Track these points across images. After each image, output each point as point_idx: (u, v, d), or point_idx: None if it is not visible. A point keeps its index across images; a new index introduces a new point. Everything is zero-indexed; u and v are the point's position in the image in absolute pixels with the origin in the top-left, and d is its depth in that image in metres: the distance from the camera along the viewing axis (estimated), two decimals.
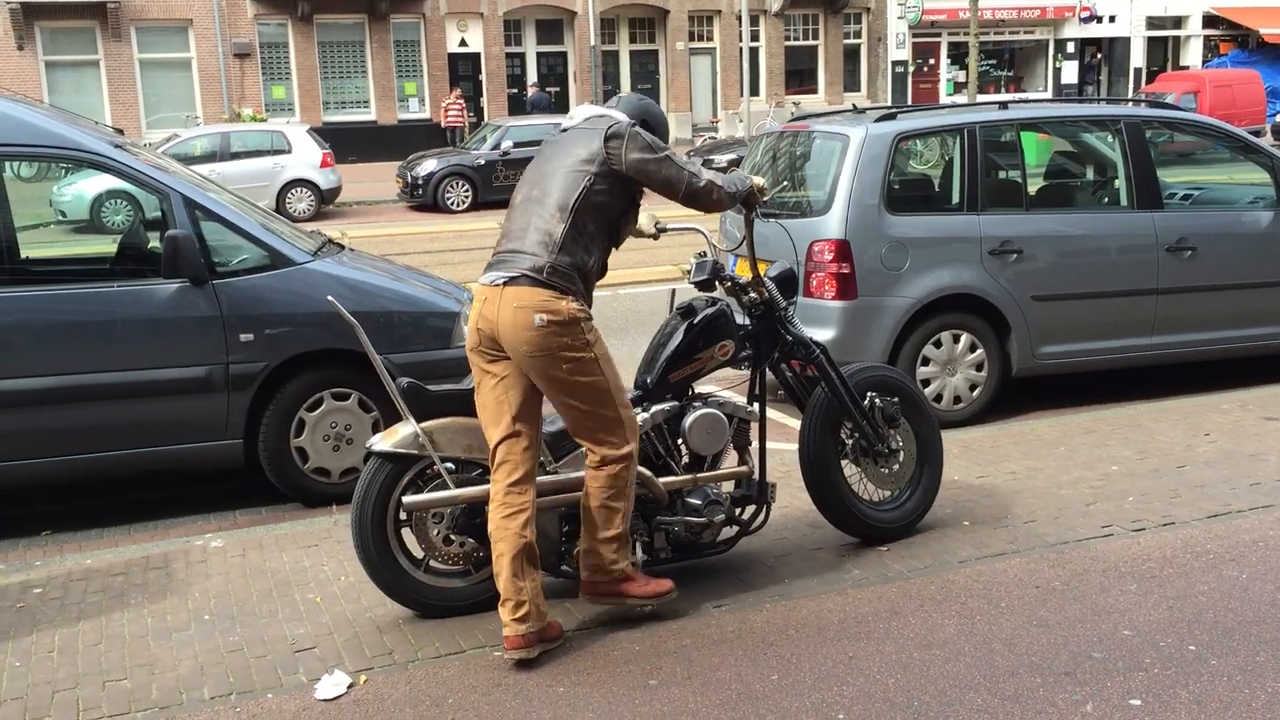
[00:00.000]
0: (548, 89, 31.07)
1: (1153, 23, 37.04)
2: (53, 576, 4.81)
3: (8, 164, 6.21)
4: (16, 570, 4.92)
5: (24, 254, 6.52)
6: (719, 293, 4.55)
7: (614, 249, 4.06)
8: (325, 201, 20.24)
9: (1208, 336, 7.29)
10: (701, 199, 4.06)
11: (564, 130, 4.11)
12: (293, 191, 19.79)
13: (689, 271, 4.52)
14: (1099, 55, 36.38)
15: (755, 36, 32.35)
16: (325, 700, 3.67)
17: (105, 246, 7.63)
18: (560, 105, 31.25)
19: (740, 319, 4.49)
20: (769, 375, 4.63)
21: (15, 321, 5.34)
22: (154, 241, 6.28)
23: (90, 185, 16.53)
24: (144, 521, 5.78)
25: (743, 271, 4.50)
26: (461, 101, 27.90)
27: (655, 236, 4.44)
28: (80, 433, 5.45)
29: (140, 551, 5.10)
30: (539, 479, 4.09)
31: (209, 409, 5.59)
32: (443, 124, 27.55)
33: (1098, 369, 7.26)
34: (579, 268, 3.86)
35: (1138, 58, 37.03)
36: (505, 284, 3.83)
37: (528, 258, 3.84)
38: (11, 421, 5.33)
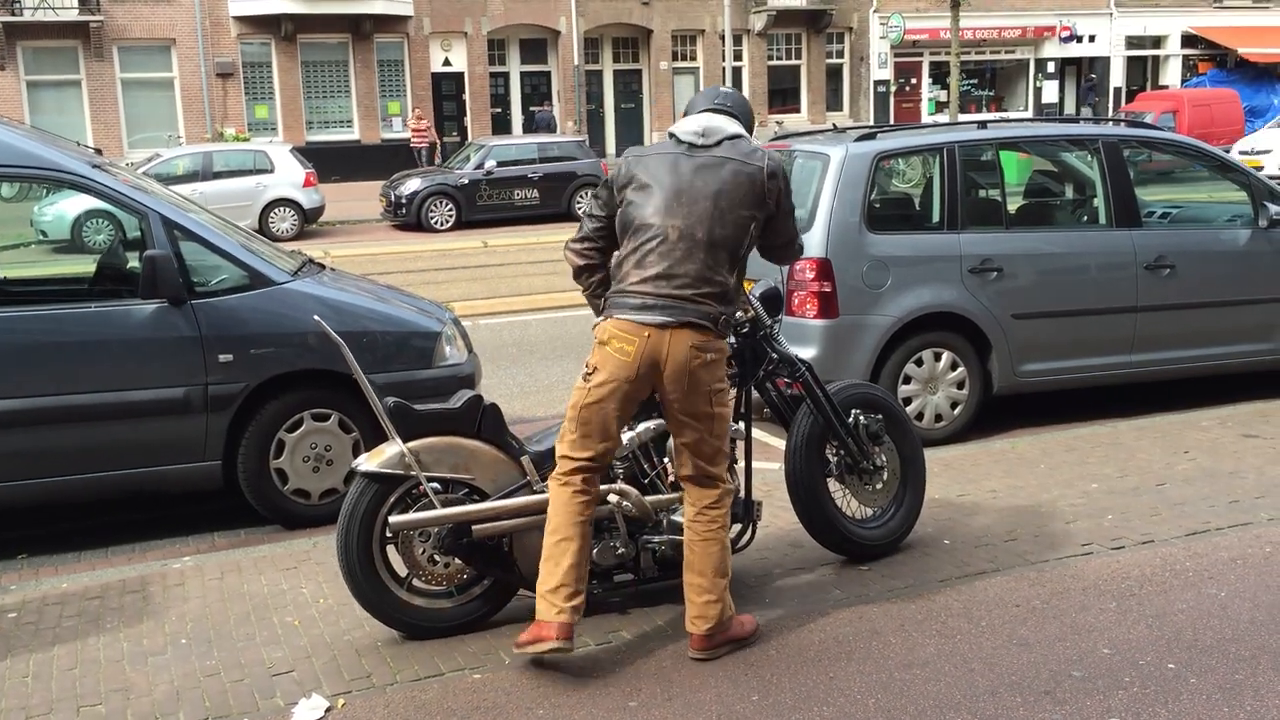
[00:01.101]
0: (532, 108, 31.13)
1: (1132, 42, 37.37)
2: (28, 600, 4.76)
3: None
4: None
5: (2, 274, 6.50)
6: None
7: None
8: (308, 221, 20.21)
9: (1187, 354, 7.32)
10: (794, 257, 4.19)
11: (689, 144, 3.89)
12: (275, 211, 19.75)
13: None
14: (1093, 76, 36.57)
15: (739, 56, 32.51)
16: None
17: (85, 267, 7.60)
18: (544, 124, 31.30)
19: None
20: (754, 394, 4.63)
21: None
22: (133, 261, 6.26)
23: (71, 205, 16.45)
24: (121, 544, 5.73)
25: None
26: (425, 121, 27.93)
27: None
28: (57, 455, 5.41)
29: (117, 575, 5.06)
30: (529, 498, 4.16)
31: (188, 430, 5.56)
32: (412, 143, 27.75)
33: (1078, 386, 7.29)
34: (736, 313, 4.01)
35: (1117, 77, 37.34)
36: (677, 327, 3.79)
37: (700, 307, 3.80)
38: None
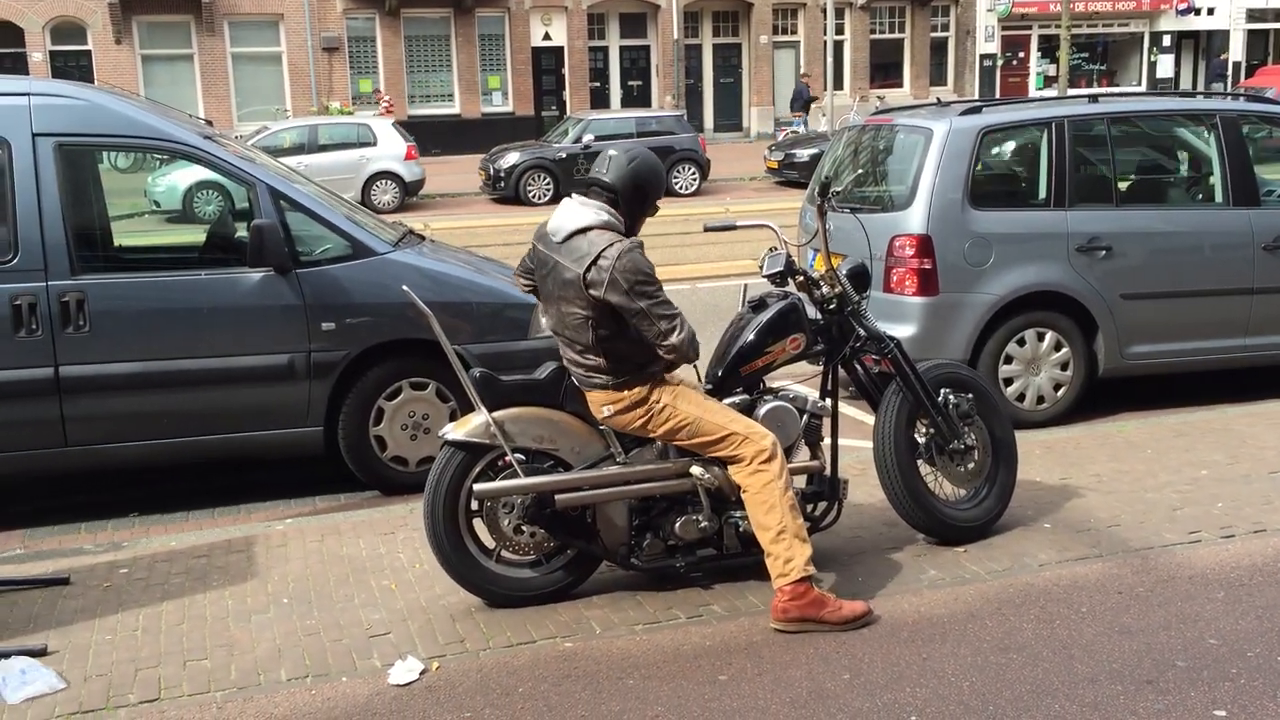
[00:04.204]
0: (630, 82, 31.05)
1: (1253, 15, 35.87)
2: (139, 557, 4.93)
3: (105, 154, 6.36)
4: (105, 550, 5.05)
5: (118, 242, 6.70)
6: (791, 286, 4.51)
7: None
8: (409, 193, 20.49)
9: None
10: (669, 354, 4.00)
11: (556, 240, 4.03)
12: (378, 183, 20.06)
13: (762, 265, 4.49)
14: (1225, 55, 35.10)
15: (840, 29, 32.00)
16: (398, 686, 3.71)
17: (195, 236, 7.81)
18: (642, 98, 31.28)
19: (813, 313, 4.45)
20: (841, 371, 4.58)
21: (109, 308, 5.47)
22: (241, 231, 6.41)
23: (183, 176, 16.91)
24: (226, 505, 5.90)
25: (821, 267, 4.46)
26: (387, 101, 26.67)
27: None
28: (169, 417, 5.58)
29: (222, 535, 5.21)
30: (613, 470, 4.15)
31: (291, 396, 5.69)
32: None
33: (1188, 370, 7.06)
34: (627, 362, 4.04)
35: (1237, 51, 35.87)
36: (589, 390, 4.14)
37: (591, 379, 4.10)
38: (106, 405, 5.48)
